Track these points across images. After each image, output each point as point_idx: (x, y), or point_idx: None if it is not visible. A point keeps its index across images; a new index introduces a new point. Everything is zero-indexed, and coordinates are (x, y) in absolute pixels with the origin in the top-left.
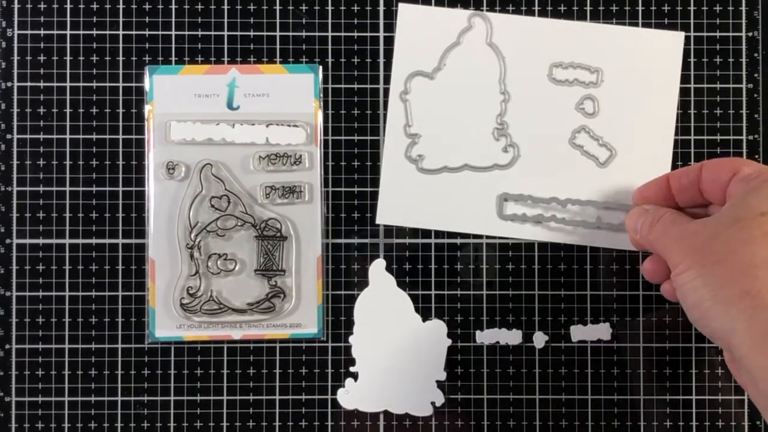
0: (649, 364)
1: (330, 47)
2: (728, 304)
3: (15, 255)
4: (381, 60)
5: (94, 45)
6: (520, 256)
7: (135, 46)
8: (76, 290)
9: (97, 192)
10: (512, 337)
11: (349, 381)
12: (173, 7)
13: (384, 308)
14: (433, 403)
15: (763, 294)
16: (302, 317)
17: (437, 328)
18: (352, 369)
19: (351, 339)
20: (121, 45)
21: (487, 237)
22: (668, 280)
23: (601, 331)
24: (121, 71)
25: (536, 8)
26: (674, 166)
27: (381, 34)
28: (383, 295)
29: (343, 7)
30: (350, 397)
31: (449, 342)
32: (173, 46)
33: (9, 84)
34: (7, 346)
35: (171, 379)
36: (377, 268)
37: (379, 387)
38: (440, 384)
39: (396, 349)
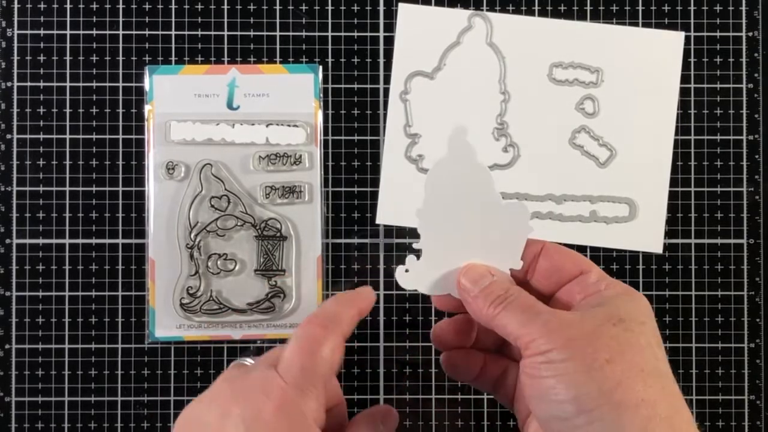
0: None
1: (330, 47)
2: (621, 409)
3: (15, 255)
4: (381, 60)
5: (94, 45)
6: None
7: (135, 46)
8: (76, 290)
9: (97, 192)
10: None
11: (410, 258)
12: (173, 7)
13: (460, 182)
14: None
15: (657, 404)
16: (302, 317)
17: (518, 210)
18: (415, 245)
19: (418, 213)
20: (121, 45)
21: None
22: (456, 351)
23: None
24: (121, 71)
25: (536, 8)
26: (674, 167)
27: (381, 34)
28: (461, 166)
29: (343, 7)
30: (410, 276)
31: (531, 230)
32: (173, 46)
33: (9, 84)
34: (7, 346)
35: (171, 379)
36: (457, 136)
37: (444, 268)
38: (513, 273)
39: (469, 230)
